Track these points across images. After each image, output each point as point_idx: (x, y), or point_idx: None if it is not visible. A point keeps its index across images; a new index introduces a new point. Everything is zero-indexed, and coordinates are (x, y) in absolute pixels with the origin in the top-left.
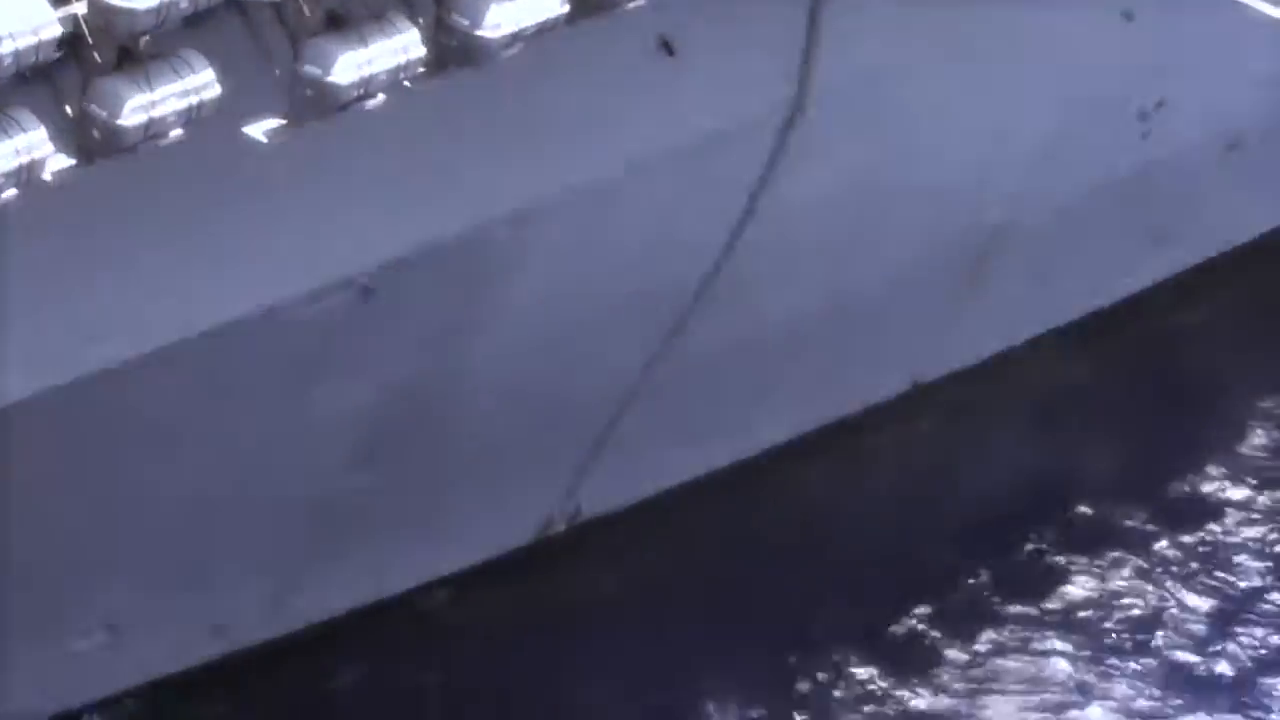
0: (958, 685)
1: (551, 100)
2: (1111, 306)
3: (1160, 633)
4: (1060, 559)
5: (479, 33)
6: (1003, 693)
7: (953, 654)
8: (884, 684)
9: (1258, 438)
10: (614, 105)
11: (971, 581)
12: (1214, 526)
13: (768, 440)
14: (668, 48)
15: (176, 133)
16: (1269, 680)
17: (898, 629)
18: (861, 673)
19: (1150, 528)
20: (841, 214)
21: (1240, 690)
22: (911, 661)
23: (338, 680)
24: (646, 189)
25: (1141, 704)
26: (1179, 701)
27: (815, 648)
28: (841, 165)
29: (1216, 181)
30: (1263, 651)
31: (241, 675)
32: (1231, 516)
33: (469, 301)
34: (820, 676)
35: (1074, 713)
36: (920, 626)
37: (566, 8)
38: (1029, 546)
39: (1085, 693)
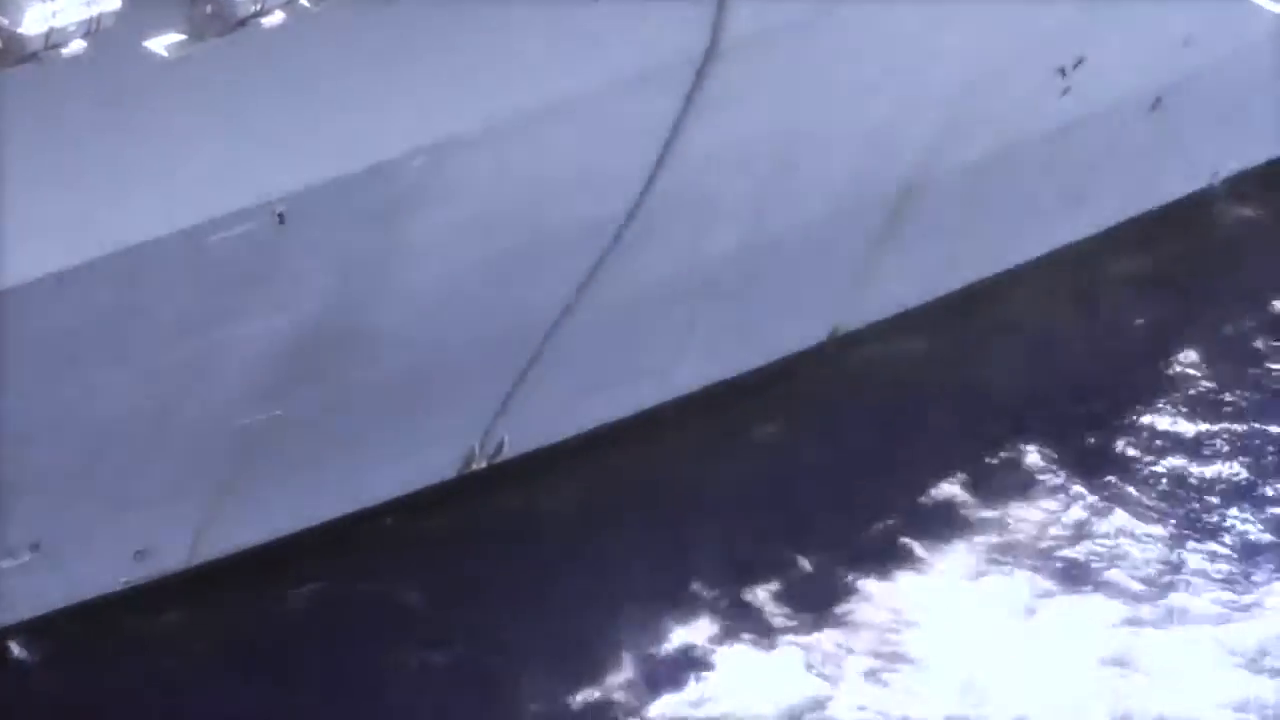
0: (899, 609)
1: (469, 36)
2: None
3: (1116, 563)
4: (1013, 490)
5: None
6: (948, 618)
7: (900, 577)
8: (817, 605)
9: (1207, 373)
10: (530, 43)
11: (920, 512)
12: (1169, 459)
13: (689, 383)
14: None
15: (78, 43)
16: (1218, 609)
17: (828, 557)
18: (784, 601)
19: (1101, 461)
20: (757, 161)
21: (1190, 618)
22: (844, 584)
23: (290, 596)
24: (561, 128)
25: (1092, 629)
26: (1128, 626)
27: (735, 579)
28: (756, 112)
29: (1139, 141)
30: (1217, 581)
31: (199, 590)
32: (1185, 449)
33: (385, 233)
34: (741, 608)
35: (1022, 632)
36: (853, 552)
37: None
38: (978, 479)
39: (1032, 614)
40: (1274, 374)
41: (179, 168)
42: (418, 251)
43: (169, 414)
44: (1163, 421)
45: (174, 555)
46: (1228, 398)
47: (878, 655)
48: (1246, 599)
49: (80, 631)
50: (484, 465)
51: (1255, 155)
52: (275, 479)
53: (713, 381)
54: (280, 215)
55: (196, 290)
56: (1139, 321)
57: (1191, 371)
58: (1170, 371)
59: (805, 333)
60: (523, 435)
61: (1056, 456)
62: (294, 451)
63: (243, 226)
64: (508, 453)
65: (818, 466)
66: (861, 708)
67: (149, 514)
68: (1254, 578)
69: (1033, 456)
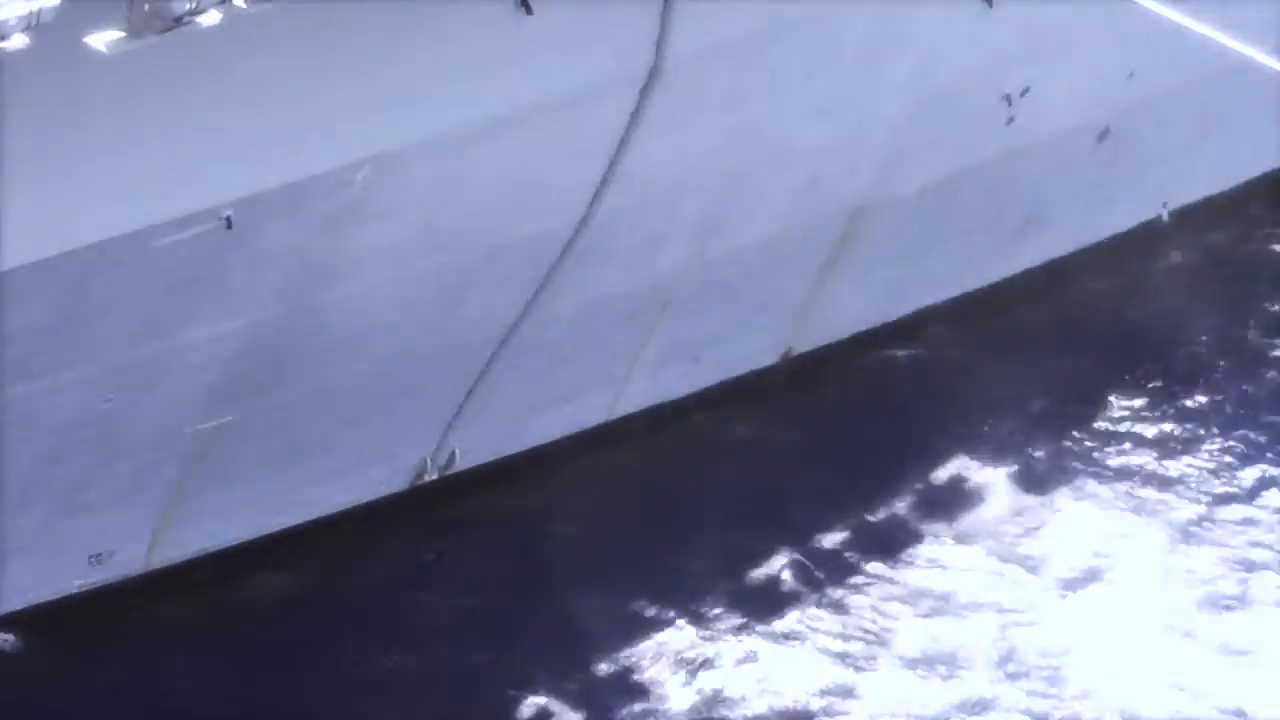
0: (890, 603)
1: (411, 50)
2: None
3: (1097, 560)
4: (998, 488)
5: None
6: (938, 610)
7: (889, 573)
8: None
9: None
10: (471, 59)
11: (909, 508)
12: (1145, 460)
13: (641, 400)
14: (526, 6)
15: (19, 38)
16: (1206, 605)
17: (812, 555)
18: (781, 595)
19: (1077, 463)
20: (705, 179)
21: (1177, 613)
22: (834, 581)
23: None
24: (507, 143)
25: (1080, 625)
26: (1113, 622)
27: (685, 592)
28: (701, 131)
29: (1087, 171)
30: (1202, 579)
31: (178, 582)
32: (1164, 452)
33: (333, 242)
34: (688, 620)
35: (1014, 626)
36: (839, 550)
37: None
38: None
39: (1025, 611)
40: (1244, 388)
41: (125, 169)
42: (366, 262)
43: (122, 418)
44: (1139, 428)
45: (130, 560)
46: (1206, 405)
47: (868, 643)
48: (1233, 595)
49: (60, 624)
50: (436, 477)
51: (1204, 188)
52: (228, 487)
53: (665, 400)
54: (228, 219)
55: (146, 293)
56: (1114, 333)
57: (1167, 379)
58: (1145, 381)
59: (758, 353)
60: (474, 448)
61: (1040, 455)
62: (247, 459)
63: (191, 230)
64: (460, 465)
65: (804, 464)
66: (853, 695)
67: (104, 518)
68: (1235, 570)
69: (1016, 457)
